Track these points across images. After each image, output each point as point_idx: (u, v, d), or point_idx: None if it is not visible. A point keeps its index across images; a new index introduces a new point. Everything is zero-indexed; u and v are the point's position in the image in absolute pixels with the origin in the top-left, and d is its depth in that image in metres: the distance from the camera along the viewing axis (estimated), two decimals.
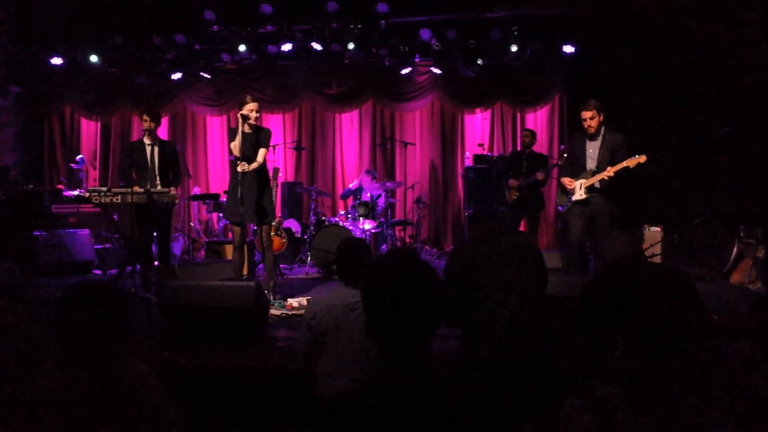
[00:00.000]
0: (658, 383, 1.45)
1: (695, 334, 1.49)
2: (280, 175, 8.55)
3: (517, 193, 6.93)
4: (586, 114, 5.08)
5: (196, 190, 9.09)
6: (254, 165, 5.10)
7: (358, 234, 7.23)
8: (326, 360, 2.73)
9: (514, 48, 8.03)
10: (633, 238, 3.20)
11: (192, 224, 9.04)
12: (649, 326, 1.47)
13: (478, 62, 8.18)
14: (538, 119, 9.00)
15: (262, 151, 5.18)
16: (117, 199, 5.44)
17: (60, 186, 8.18)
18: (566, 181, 5.18)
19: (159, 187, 5.66)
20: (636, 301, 1.51)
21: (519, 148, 7.73)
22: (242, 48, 8.19)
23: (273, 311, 4.80)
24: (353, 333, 2.68)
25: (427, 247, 8.89)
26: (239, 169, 4.98)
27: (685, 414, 1.42)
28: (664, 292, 1.50)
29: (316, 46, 8.23)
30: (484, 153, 8.54)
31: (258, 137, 5.18)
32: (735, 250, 6.14)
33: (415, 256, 1.46)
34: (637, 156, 4.87)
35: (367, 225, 7.41)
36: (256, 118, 5.14)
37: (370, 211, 7.49)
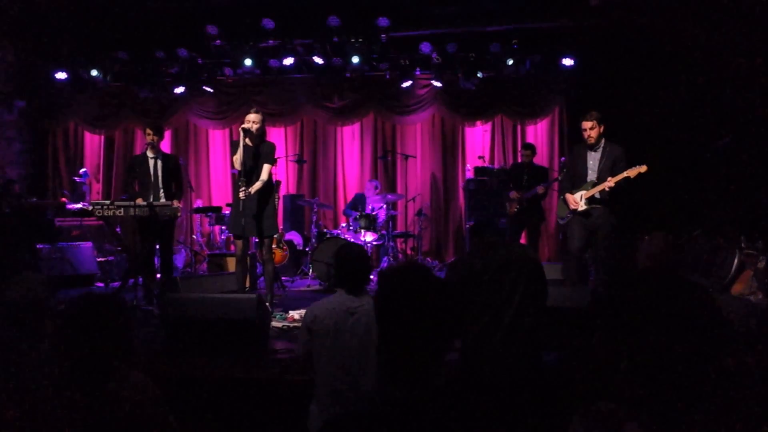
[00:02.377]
0: (664, 399, 1.46)
1: (713, 353, 1.50)
2: (282, 187, 8.60)
3: (518, 206, 6.95)
4: (587, 124, 5.12)
5: (199, 203, 9.14)
6: (257, 185, 5.11)
7: None
8: (325, 363, 2.75)
9: (513, 61, 8.10)
10: (669, 243, 3.14)
11: (194, 237, 9.08)
12: (662, 342, 1.48)
13: (478, 75, 8.24)
14: (538, 131, 9.05)
15: (266, 168, 5.19)
16: (120, 212, 5.48)
17: (63, 199, 8.23)
18: (570, 199, 5.20)
19: (162, 200, 5.70)
20: (657, 317, 1.52)
21: (519, 161, 7.77)
22: (248, 62, 8.24)
23: (274, 323, 4.81)
24: (352, 337, 2.72)
25: (428, 259, 8.90)
26: (241, 196, 5.00)
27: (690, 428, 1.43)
28: (686, 310, 1.51)
29: (318, 60, 8.30)
30: (485, 165, 8.58)
31: (260, 150, 5.21)
32: (736, 261, 6.13)
33: (429, 271, 1.46)
34: (637, 166, 4.90)
35: (369, 237, 7.44)
36: (258, 129, 5.16)
37: (371, 223, 7.52)
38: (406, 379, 1.33)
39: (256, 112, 5.23)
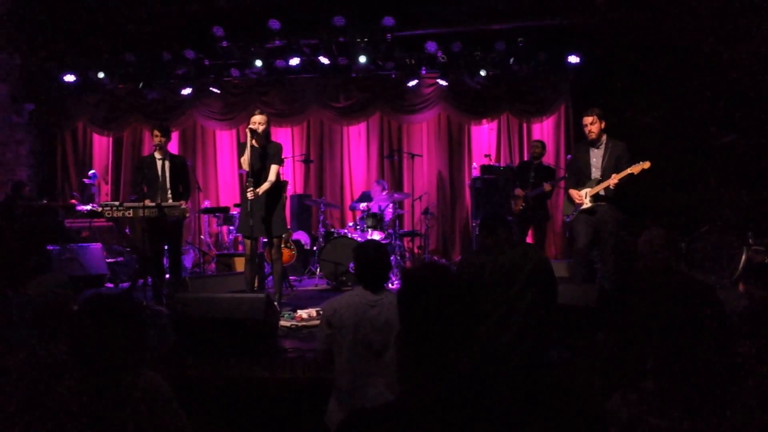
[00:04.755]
0: (686, 391, 1.49)
1: (717, 345, 1.53)
2: (289, 187, 8.63)
3: (523, 203, 6.95)
4: (587, 119, 5.13)
5: (207, 204, 9.19)
6: (264, 186, 5.13)
7: None
8: (346, 357, 2.75)
9: (519, 59, 8.10)
10: (670, 240, 3.14)
11: (202, 237, 9.13)
12: (677, 337, 1.51)
13: (483, 73, 8.24)
14: (544, 129, 9.04)
15: (273, 168, 5.21)
16: (129, 213, 5.53)
17: (73, 201, 8.29)
18: (574, 193, 5.20)
19: (170, 201, 5.74)
20: (667, 314, 1.55)
21: (527, 158, 7.76)
22: (258, 63, 8.28)
23: (283, 322, 4.83)
24: (373, 330, 2.73)
25: (435, 257, 8.92)
26: (249, 196, 5.03)
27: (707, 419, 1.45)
28: (691, 306, 1.53)
29: (324, 60, 8.33)
30: (491, 163, 8.58)
31: (267, 151, 5.23)
32: (744, 257, 6.12)
33: (450, 270, 1.47)
34: (641, 162, 4.90)
35: (376, 236, 7.45)
36: (263, 130, 5.19)
37: (378, 222, 7.54)
38: (426, 375, 1.35)
39: (261, 113, 5.26)
